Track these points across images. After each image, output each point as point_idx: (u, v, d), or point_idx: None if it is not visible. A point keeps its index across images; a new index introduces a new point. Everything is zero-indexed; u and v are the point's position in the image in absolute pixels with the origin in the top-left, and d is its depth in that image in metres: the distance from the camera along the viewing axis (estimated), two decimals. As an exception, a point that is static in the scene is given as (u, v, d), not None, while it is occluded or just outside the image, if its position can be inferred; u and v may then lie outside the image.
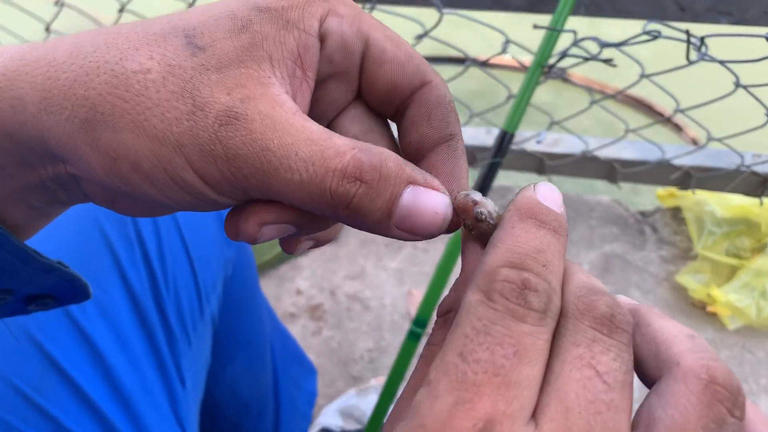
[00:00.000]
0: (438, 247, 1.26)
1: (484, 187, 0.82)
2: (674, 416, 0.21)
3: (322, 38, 0.27)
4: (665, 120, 1.47)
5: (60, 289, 0.35)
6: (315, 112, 0.29)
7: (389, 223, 0.25)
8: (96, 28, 0.27)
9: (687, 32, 0.72)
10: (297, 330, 1.19)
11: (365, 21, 0.27)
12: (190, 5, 0.95)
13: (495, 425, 0.20)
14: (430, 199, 0.25)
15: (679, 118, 1.53)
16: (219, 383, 0.74)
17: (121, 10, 0.99)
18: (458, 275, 0.26)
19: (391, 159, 0.25)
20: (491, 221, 0.25)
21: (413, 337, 0.82)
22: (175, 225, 0.61)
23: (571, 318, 0.22)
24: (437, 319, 0.26)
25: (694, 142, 1.55)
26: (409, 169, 0.25)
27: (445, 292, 0.74)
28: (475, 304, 0.22)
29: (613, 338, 0.22)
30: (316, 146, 0.24)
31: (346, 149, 0.24)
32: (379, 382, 1.08)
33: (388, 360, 1.13)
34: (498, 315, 0.21)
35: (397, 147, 0.30)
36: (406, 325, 1.10)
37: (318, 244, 0.30)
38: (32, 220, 0.31)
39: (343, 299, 1.22)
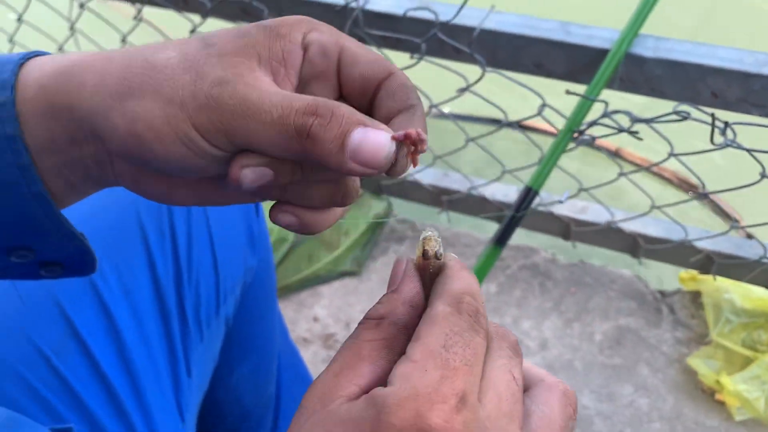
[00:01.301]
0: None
1: (502, 238, 0.86)
2: (545, 410, 0.31)
3: (306, 47, 0.35)
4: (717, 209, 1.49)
5: (72, 258, 0.39)
6: None
7: (344, 156, 0.31)
8: None
9: (712, 115, 0.76)
10: (308, 355, 1.22)
11: (342, 36, 0.36)
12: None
13: (467, 396, 0.27)
14: (376, 136, 0.31)
15: (735, 211, 1.55)
16: (224, 386, 0.77)
17: (193, 31, 1.07)
18: (390, 291, 0.33)
19: (344, 106, 0.31)
20: (439, 259, 0.32)
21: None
22: (206, 226, 0.65)
23: (495, 340, 0.31)
24: (368, 321, 0.32)
25: (749, 236, 1.55)
26: (361, 116, 0.32)
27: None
28: (448, 314, 0.30)
29: (519, 358, 0.31)
30: (285, 96, 0.31)
31: (308, 98, 0.31)
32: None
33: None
34: (466, 325, 0.29)
35: None
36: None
37: (304, 228, 0.36)
38: (64, 195, 0.36)
39: (356, 333, 1.25)
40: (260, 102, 0.31)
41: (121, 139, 0.32)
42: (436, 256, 0.32)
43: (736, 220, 1.50)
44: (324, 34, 0.35)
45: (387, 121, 0.34)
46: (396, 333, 0.31)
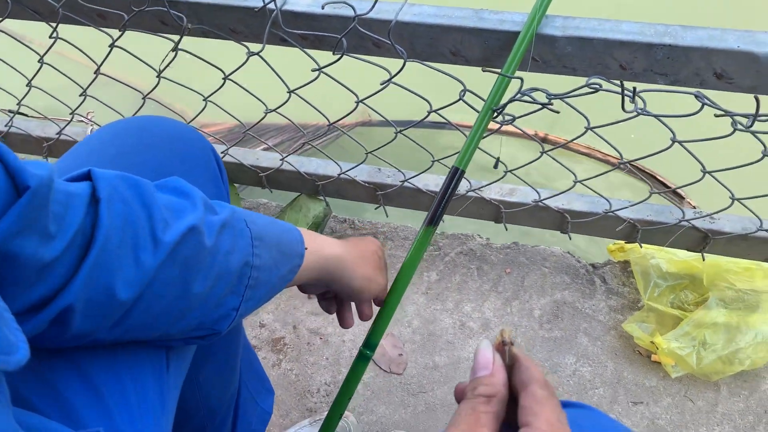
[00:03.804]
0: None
1: (434, 219, 0.88)
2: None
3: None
4: (665, 188, 1.56)
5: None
6: None
7: None
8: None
9: (621, 83, 0.81)
10: (257, 361, 1.22)
11: None
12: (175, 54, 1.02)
13: None
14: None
15: (682, 189, 1.65)
16: (192, 385, 0.77)
17: (111, 46, 1.06)
18: (488, 375, 0.44)
19: None
20: (512, 344, 0.45)
21: (363, 358, 0.86)
22: None
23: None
24: (481, 397, 0.43)
25: (693, 207, 1.65)
26: None
27: (392, 322, 0.81)
28: (547, 395, 0.41)
29: None
30: None
31: None
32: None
33: (344, 393, 1.16)
34: (557, 401, 0.42)
35: None
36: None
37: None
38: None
39: (304, 334, 1.26)
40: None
41: (347, 295, 0.75)
42: (512, 342, 0.44)
43: (666, 186, 1.58)
44: None
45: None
46: (501, 407, 0.43)
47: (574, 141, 1.03)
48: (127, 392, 0.56)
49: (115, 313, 0.49)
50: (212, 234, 0.54)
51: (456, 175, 0.86)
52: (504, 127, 1.67)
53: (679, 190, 1.71)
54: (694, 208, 1.68)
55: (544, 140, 1.89)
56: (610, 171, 1.11)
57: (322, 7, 0.91)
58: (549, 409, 0.40)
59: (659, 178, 1.76)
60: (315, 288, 0.75)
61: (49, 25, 1.08)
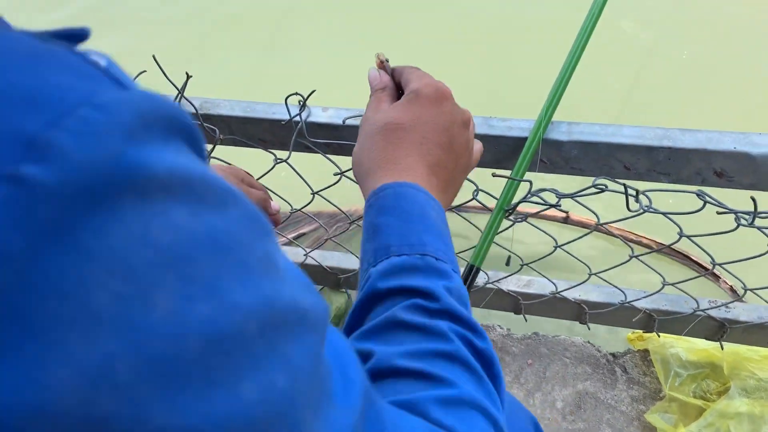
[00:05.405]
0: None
1: (455, 315, 0.92)
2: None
3: None
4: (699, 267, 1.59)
5: None
6: None
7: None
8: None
9: (624, 185, 0.86)
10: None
11: None
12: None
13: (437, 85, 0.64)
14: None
15: (717, 269, 1.66)
16: None
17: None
18: (380, 79, 0.68)
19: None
20: (388, 62, 0.69)
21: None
22: None
23: None
24: (377, 91, 0.66)
25: (733, 290, 1.66)
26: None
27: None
28: (415, 69, 0.66)
29: None
30: None
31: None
32: None
33: None
34: (424, 72, 0.66)
35: None
36: None
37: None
38: None
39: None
40: None
41: None
42: (387, 59, 0.67)
43: (702, 267, 1.60)
44: None
45: None
46: (393, 92, 0.66)
47: (600, 226, 1.07)
48: None
49: None
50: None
51: (472, 272, 0.90)
52: (523, 208, 1.72)
53: (714, 270, 1.71)
54: (730, 286, 1.69)
55: (565, 220, 1.93)
56: (628, 261, 1.14)
57: (343, 121, 0.98)
58: (417, 74, 0.62)
59: (693, 258, 1.78)
60: None
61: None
